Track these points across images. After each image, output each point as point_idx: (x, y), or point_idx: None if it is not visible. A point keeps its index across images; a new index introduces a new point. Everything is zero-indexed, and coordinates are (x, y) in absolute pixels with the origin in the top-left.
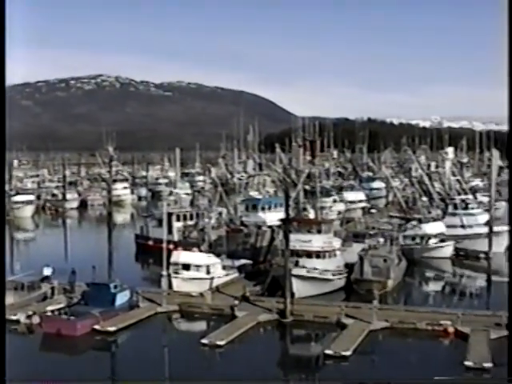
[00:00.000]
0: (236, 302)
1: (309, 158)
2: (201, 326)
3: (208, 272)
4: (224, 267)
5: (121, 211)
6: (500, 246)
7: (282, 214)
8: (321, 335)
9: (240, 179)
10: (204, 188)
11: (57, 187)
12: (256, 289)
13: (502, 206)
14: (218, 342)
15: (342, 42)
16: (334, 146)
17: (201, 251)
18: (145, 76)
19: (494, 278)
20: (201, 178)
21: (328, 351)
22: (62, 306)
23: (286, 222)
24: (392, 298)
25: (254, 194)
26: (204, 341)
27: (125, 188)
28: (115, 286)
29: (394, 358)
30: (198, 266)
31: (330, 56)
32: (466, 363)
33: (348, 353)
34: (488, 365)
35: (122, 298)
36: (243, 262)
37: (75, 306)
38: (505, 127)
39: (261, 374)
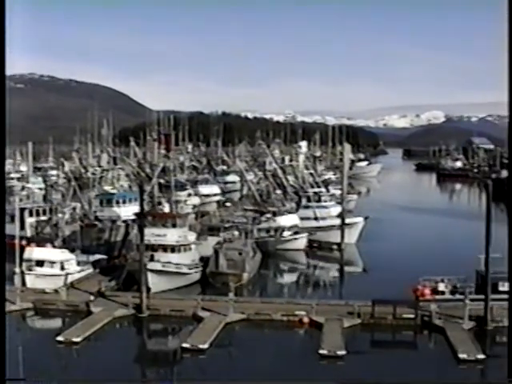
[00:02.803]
0: (91, 297)
1: (163, 151)
2: (56, 323)
3: (62, 268)
4: (78, 263)
5: None
6: (352, 237)
7: (136, 209)
8: (177, 329)
9: (94, 173)
10: (57, 183)
11: None
12: (111, 284)
13: (354, 198)
14: (74, 339)
15: (197, 38)
16: (188, 140)
17: (54, 247)
18: None
19: (346, 268)
20: (54, 172)
21: (185, 345)
22: None
23: (140, 217)
24: (248, 291)
25: (108, 188)
26: (59, 338)
27: None
28: None
29: (250, 349)
30: (51, 262)
31: (186, 51)
32: (321, 351)
33: (205, 346)
34: (341, 352)
35: None
36: (98, 257)
37: None
38: (356, 121)
39: (118, 370)
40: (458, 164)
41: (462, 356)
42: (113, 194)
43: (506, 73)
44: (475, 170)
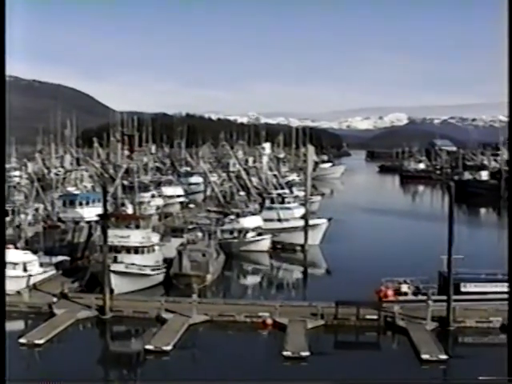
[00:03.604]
0: (54, 299)
1: (127, 152)
2: (18, 325)
3: (25, 269)
4: (41, 264)
5: None
6: (315, 238)
7: (100, 210)
8: (141, 331)
9: (57, 174)
10: (20, 183)
11: None
12: (74, 285)
13: (317, 200)
14: (37, 341)
15: (161, 39)
16: (152, 141)
17: (17, 248)
18: None
19: (309, 269)
20: (17, 173)
21: (148, 346)
22: None
23: (104, 218)
24: (211, 292)
25: (71, 189)
26: (22, 340)
27: None
28: None
29: (214, 351)
30: (14, 264)
31: (150, 52)
32: (285, 353)
33: (168, 347)
34: (305, 353)
35: None
36: (61, 258)
37: None
38: (320, 123)
39: (81, 372)
40: (421, 166)
41: (424, 356)
42: (76, 194)
43: (506, 73)
44: (438, 172)
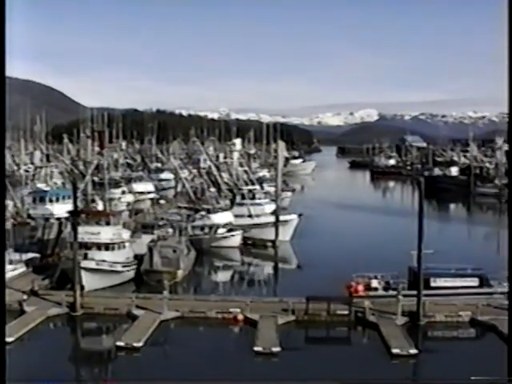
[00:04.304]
0: (24, 296)
1: (97, 148)
2: None
3: None
4: (11, 261)
5: None
6: (286, 234)
7: (70, 206)
8: (112, 327)
9: (27, 171)
10: None
11: None
12: (45, 283)
13: (288, 195)
14: (7, 339)
15: (131, 35)
16: (122, 137)
17: None
18: None
19: (280, 265)
20: None
21: (120, 343)
22: None
23: (74, 214)
24: (182, 288)
25: (41, 185)
26: None
27: None
28: None
29: (185, 347)
30: None
31: (120, 48)
32: (256, 349)
33: (140, 344)
34: (276, 349)
35: None
36: (31, 255)
37: None
38: (291, 119)
39: (52, 370)
40: (392, 162)
41: (394, 351)
42: (46, 191)
43: (506, 72)
44: (408, 168)
